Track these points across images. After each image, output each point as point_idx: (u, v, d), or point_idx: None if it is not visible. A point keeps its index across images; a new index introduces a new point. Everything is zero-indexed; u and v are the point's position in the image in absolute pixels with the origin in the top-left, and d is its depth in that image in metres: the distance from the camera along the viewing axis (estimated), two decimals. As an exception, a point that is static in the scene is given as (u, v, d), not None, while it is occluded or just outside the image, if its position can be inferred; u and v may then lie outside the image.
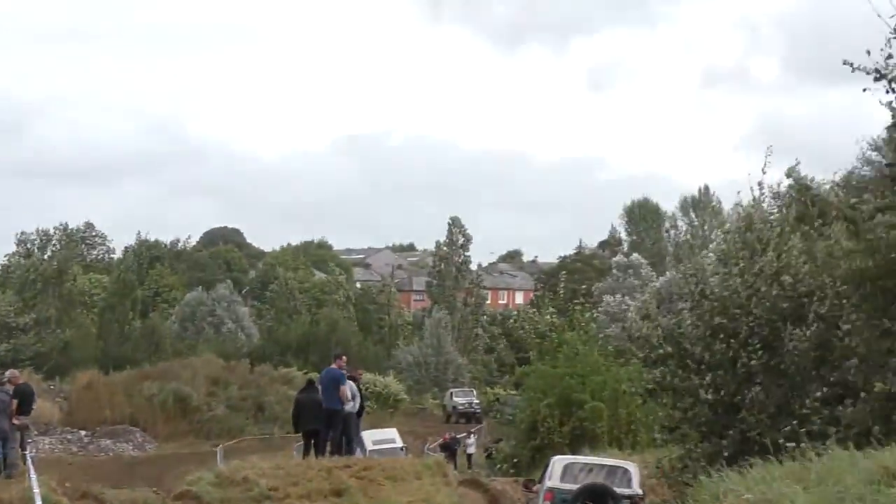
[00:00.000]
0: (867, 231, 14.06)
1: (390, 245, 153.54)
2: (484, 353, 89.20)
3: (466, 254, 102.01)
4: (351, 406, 23.90)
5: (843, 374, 16.00)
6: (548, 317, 43.26)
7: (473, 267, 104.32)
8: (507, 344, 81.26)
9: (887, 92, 14.74)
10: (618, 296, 58.46)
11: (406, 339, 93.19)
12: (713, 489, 7.77)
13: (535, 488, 22.42)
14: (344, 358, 24.90)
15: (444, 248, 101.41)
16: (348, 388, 23.69)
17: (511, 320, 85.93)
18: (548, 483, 20.18)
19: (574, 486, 19.70)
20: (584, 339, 37.15)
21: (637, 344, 21.05)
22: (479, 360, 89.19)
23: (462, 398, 69.74)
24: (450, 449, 47.87)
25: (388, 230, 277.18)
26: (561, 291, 56.53)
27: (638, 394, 28.60)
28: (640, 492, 19.92)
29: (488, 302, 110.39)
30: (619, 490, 19.49)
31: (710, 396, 18.08)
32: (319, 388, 24.19)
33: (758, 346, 17.72)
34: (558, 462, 20.64)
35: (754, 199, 20.34)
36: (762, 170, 19.97)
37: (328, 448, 23.85)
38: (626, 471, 20.40)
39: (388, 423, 54.93)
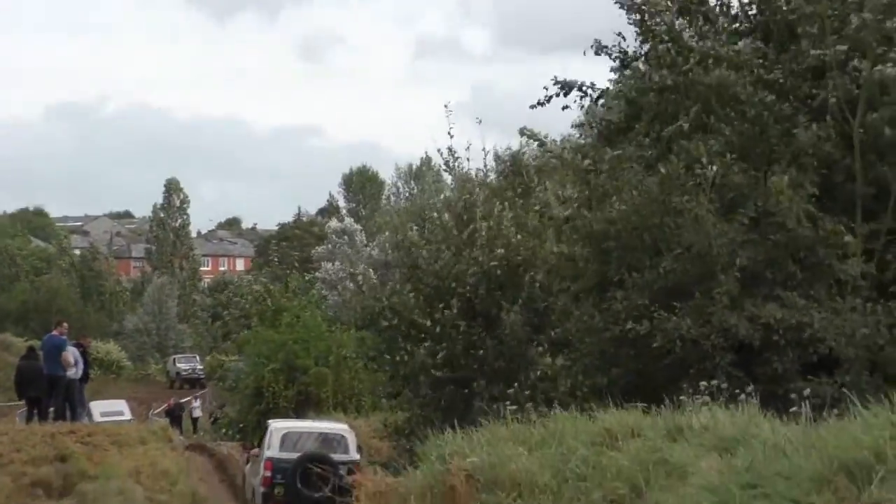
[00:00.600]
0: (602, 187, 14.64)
1: (108, 213, 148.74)
2: (209, 321, 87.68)
3: (184, 216, 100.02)
4: (73, 372, 23.24)
5: (560, 336, 16.60)
6: (258, 287, 42.86)
7: (193, 233, 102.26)
8: (231, 312, 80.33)
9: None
10: (337, 263, 58.18)
11: (126, 305, 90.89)
12: (439, 451, 7.80)
13: (253, 451, 22.35)
14: (65, 325, 24.27)
15: (161, 213, 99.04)
16: (70, 354, 23.04)
17: (230, 287, 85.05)
18: (267, 452, 20.00)
19: (293, 455, 19.50)
20: (304, 304, 37.11)
21: (359, 316, 21.21)
22: (199, 326, 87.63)
23: (185, 364, 68.40)
24: (174, 415, 46.98)
25: (106, 198, 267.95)
26: (277, 259, 56.10)
27: (359, 359, 28.78)
28: (356, 457, 19.91)
29: (208, 268, 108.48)
30: (336, 457, 19.41)
31: (434, 366, 18.43)
32: (41, 354, 23.55)
33: (476, 315, 18.20)
34: (276, 431, 20.43)
35: (465, 169, 20.90)
36: (470, 140, 20.67)
37: (51, 414, 23.14)
38: (342, 437, 20.34)
39: (111, 389, 53.39)
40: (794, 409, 7.37)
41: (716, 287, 12.94)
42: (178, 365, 68.27)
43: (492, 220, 19.05)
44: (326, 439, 20.24)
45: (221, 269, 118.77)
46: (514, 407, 8.68)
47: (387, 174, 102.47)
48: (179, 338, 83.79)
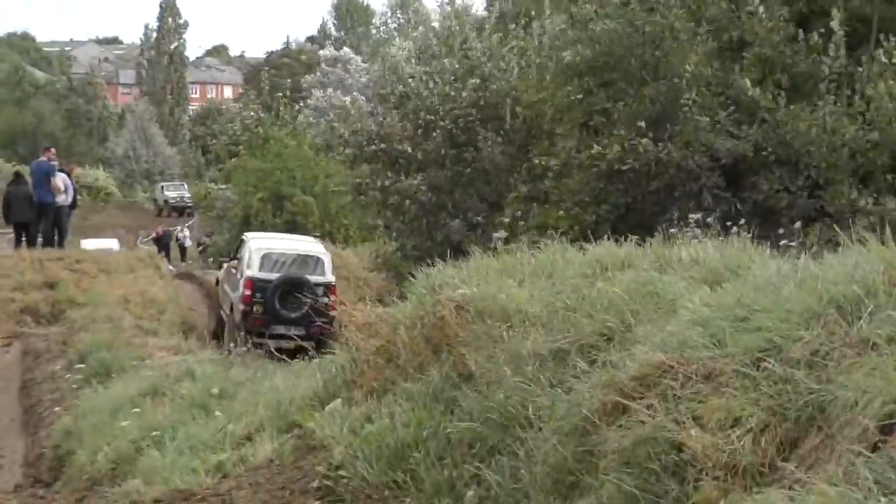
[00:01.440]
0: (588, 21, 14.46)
1: (94, 38, 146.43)
2: (197, 149, 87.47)
3: (180, 40, 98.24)
4: (63, 199, 23.20)
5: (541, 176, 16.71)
6: (250, 113, 42.32)
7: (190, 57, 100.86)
8: (219, 140, 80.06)
9: None
10: (328, 90, 57.54)
11: (114, 132, 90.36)
12: (429, 282, 7.83)
13: (230, 263, 23.11)
14: (53, 150, 24.15)
15: (155, 34, 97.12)
16: (60, 180, 22.93)
17: (221, 114, 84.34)
18: (247, 272, 20.88)
19: (272, 276, 20.62)
20: (291, 134, 36.93)
21: (348, 143, 21.18)
22: (187, 153, 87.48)
23: (173, 192, 68.26)
24: (163, 242, 47.21)
25: (92, 23, 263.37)
26: (266, 87, 55.44)
27: (346, 191, 28.80)
28: (332, 279, 21.12)
29: (196, 96, 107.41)
30: (313, 278, 20.64)
31: (421, 195, 18.54)
32: (30, 180, 23.42)
33: (462, 145, 18.22)
34: (256, 252, 21.30)
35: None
36: None
37: (39, 240, 23.20)
38: (319, 259, 21.40)
39: (99, 216, 53.73)
40: (784, 241, 7.41)
41: (684, 103, 12.88)
42: (166, 193, 68.15)
43: (479, 52, 18.88)
44: (304, 261, 21.33)
45: (210, 96, 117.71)
46: (503, 234, 8.63)
47: (377, 3, 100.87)
48: (167, 165, 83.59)
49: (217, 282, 24.58)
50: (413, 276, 8.06)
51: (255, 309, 20.78)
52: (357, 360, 7.75)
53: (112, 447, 9.86)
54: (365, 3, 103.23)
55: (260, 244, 22.02)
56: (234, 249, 24.35)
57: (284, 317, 20.52)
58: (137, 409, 10.79)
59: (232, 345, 21.12)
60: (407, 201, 19.02)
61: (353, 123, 21.07)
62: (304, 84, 67.79)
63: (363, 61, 63.69)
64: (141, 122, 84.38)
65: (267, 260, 21.20)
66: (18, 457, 12.18)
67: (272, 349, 19.04)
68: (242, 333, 20.55)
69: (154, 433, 9.58)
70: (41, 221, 23.03)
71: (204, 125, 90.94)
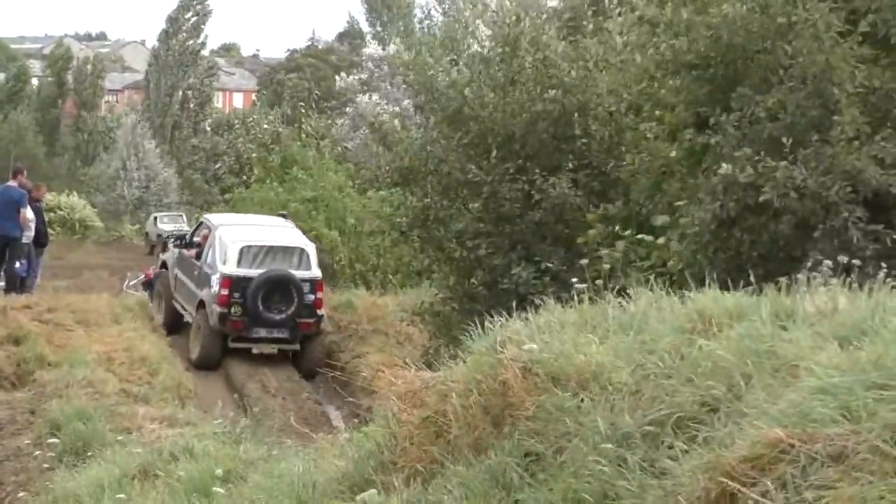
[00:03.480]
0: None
1: (73, 34, 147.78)
2: (206, 170, 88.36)
3: (199, 40, 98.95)
4: (30, 234, 23.51)
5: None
6: (267, 125, 42.62)
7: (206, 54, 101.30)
8: (227, 159, 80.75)
9: None
10: (374, 96, 57.32)
11: (108, 149, 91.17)
12: (489, 338, 7.80)
13: (179, 249, 25.10)
14: (24, 174, 24.40)
15: (169, 29, 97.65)
16: (31, 211, 23.24)
17: (236, 124, 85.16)
18: (223, 268, 22.44)
19: (252, 272, 22.38)
20: (318, 156, 37.19)
21: (392, 168, 21.15)
22: (195, 177, 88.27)
23: (169, 224, 68.34)
24: (155, 288, 47.46)
25: (73, 16, 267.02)
26: (287, 94, 55.90)
27: (383, 226, 28.97)
28: (318, 274, 23.08)
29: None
30: (298, 274, 22.58)
31: (481, 232, 18.58)
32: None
33: (524, 172, 18.24)
34: (232, 245, 22.73)
35: None
36: None
37: (1, 284, 23.47)
38: (303, 251, 23.19)
39: (75, 252, 54.23)
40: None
41: (837, 123, 12.70)
42: (161, 225, 68.17)
43: (541, 53, 18.93)
44: (287, 254, 23.10)
45: (216, 104, 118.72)
46: (578, 282, 8.59)
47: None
48: (164, 191, 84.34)
49: (163, 267, 26.39)
50: (468, 331, 8.08)
51: (233, 311, 22.43)
52: (397, 435, 7.76)
53: (91, 542, 9.94)
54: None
55: (234, 234, 23.39)
56: (187, 234, 26.30)
57: (268, 319, 22.40)
58: (123, 496, 10.83)
59: (196, 353, 22.38)
60: (462, 240, 19.04)
61: (395, 141, 21.14)
62: (339, 87, 68.04)
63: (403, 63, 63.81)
64: (132, 137, 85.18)
65: (246, 254, 22.73)
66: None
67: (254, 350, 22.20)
68: (215, 337, 22.48)
69: (143, 525, 9.65)
70: (5, 261, 23.27)
71: (220, 135, 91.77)
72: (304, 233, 30.85)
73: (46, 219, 26.46)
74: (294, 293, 22.51)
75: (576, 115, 18.30)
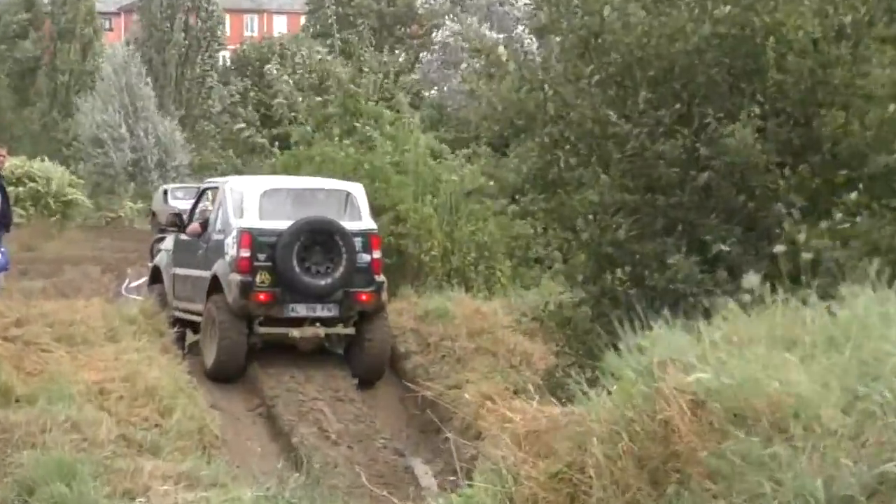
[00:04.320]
0: None
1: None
2: (224, 124, 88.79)
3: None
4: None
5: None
6: (319, 56, 42.48)
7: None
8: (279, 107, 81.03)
9: None
10: (471, 19, 56.65)
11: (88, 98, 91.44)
12: (642, 358, 7.80)
13: (174, 237, 25.48)
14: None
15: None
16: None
17: (268, 56, 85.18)
18: (238, 221, 22.76)
19: (282, 224, 22.50)
20: (392, 102, 37.06)
21: (498, 116, 21.09)
22: (210, 133, 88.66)
23: (186, 200, 67.93)
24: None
25: None
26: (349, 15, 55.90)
27: (487, 195, 28.60)
28: (373, 225, 23.48)
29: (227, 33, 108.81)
30: (347, 224, 22.75)
31: (625, 209, 18.45)
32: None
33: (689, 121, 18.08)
34: (250, 191, 23.08)
35: None
36: None
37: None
38: (348, 194, 23.55)
39: (52, 240, 54.62)
40: None
41: None
42: (173, 202, 67.94)
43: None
44: (327, 198, 23.62)
45: (248, 33, 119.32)
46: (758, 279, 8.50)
47: None
48: (169, 154, 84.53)
49: (154, 274, 26.67)
50: (612, 346, 8.06)
51: (259, 279, 22.57)
52: (514, 498, 7.79)
53: None
54: None
55: (251, 181, 23.95)
56: (177, 217, 26.35)
57: (308, 286, 22.51)
58: None
59: (212, 356, 22.56)
60: (597, 216, 18.89)
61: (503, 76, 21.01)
62: (423, 5, 67.80)
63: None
64: (125, 77, 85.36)
65: (270, 200, 23.04)
66: None
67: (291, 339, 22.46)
68: (237, 325, 22.67)
69: None
70: None
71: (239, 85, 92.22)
72: (381, 210, 31.05)
73: (10, 194, 26.57)
74: (343, 249, 22.57)
75: (762, 40, 18.11)
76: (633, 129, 18.14)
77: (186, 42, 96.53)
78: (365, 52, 41.63)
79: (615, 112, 18.46)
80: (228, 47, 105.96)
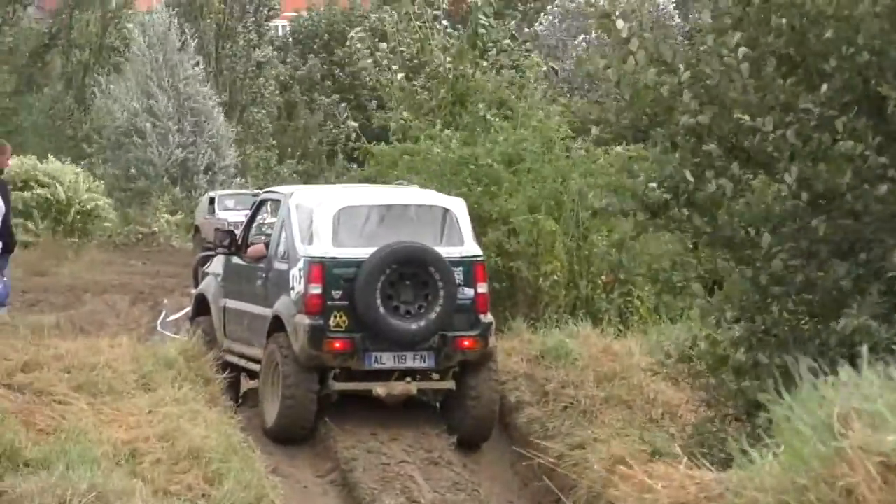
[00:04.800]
0: None
1: None
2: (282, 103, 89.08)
3: None
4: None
5: None
6: (418, 24, 42.34)
7: None
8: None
9: None
10: None
11: (113, 77, 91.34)
12: (819, 410, 7.85)
13: (254, 248, 24.73)
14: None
15: None
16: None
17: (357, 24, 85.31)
18: (307, 249, 22.51)
19: (363, 252, 22.26)
20: (513, 78, 36.96)
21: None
22: (267, 118, 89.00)
23: (238, 210, 67.66)
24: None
25: None
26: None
27: (625, 212, 28.31)
28: (478, 251, 23.11)
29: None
30: (445, 250, 22.41)
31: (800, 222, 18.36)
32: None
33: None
34: (323, 206, 22.78)
35: None
36: None
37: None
38: (447, 212, 23.17)
39: (69, 262, 54.88)
40: None
41: None
42: (222, 213, 67.82)
43: None
44: (419, 217, 23.21)
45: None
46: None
47: None
48: (218, 152, 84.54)
49: (199, 304, 26.53)
50: (779, 394, 8.09)
51: (333, 322, 22.37)
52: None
53: None
54: None
55: (321, 196, 23.65)
56: (228, 234, 26.00)
57: (395, 331, 22.19)
58: None
59: (274, 412, 22.39)
60: (758, 235, 18.85)
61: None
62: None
63: None
64: (164, 53, 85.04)
65: (347, 220, 22.74)
66: None
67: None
68: (305, 377, 22.41)
69: None
70: None
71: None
72: (488, 221, 30.88)
73: (13, 205, 26.65)
74: (439, 283, 22.25)
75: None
76: (821, 113, 18.00)
77: (224, 7, 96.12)
78: (483, 18, 41.29)
79: (776, 95, 18.35)
80: (285, 14, 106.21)
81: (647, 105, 19.29)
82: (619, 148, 30.57)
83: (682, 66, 18.79)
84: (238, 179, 78.72)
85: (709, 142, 18.96)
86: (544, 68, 41.87)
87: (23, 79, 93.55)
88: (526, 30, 57.53)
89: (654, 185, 20.13)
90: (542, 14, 62.97)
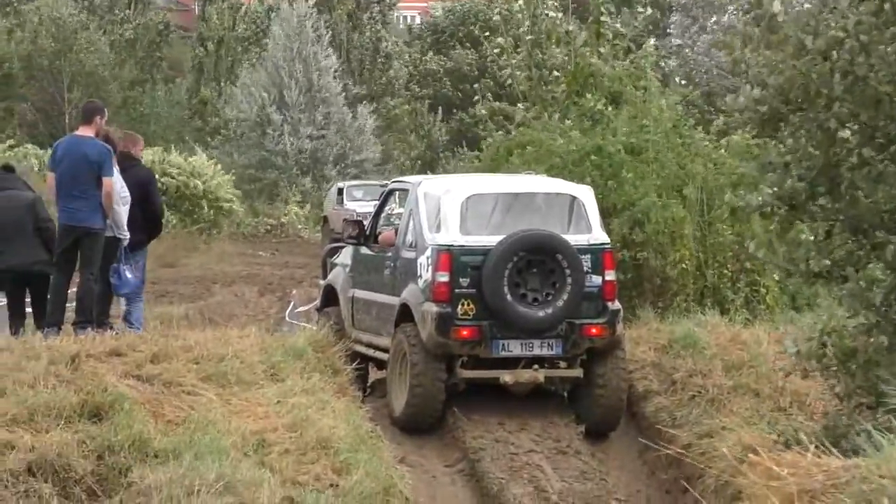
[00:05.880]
0: None
1: None
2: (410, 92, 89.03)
3: None
4: (121, 223, 23.67)
5: None
6: (547, 11, 42.07)
7: None
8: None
9: None
10: None
11: (247, 68, 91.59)
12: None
13: (384, 236, 25.16)
14: (104, 115, 24.31)
15: None
16: (118, 182, 23.43)
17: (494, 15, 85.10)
18: (435, 237, 22.64)
19: (490, 240, 22.35)
20: (634, 70, 36.71)
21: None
22: (398, 106, 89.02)
23: (367, 201, 67.65)
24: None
25: None
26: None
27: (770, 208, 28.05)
28: (605, 238, 23.14)
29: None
30: (572, 238, 22.49)
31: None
32: (55, 180, 23.87)
33: None
34: (451, 195, 22.92)
35: None
36: None
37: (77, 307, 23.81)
38: (574, 200, 23.28)
39: (197, 254, 54.91)
40: None
41: None
42: (350, 204, 67.70)
43: None
44: (546, 205, 23.26)
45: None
46: None
47: None
48: (354, 145, 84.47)
49: (328, 295, 26.70)
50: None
51: (461, 310, 22.45)
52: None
53: None
54: None
55: (449, 184, 23.67)
56: (357, 224, 26.07)
57: (523, 318, 22.26)
58: None
59: (402, 401, 22.37)
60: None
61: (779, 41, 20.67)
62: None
63: None
64: (298, 43, 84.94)
65: (475, 208, 22.82)
66: None
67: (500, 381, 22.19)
68: (433, 365, 22.52)
69: None
70: (80, 269, 23.40)
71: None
72: (612, 211, 30.72)
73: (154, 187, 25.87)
74: (567, 270, 22.27)
75: None
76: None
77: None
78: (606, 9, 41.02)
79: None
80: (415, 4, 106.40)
81: (793, 92, 19.06)
82: (736, 137, 30.44)
83: (835, 53, 18.54)
84: (386, 167, 78.36)
85: (850, 128, 18.80)
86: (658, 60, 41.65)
87: (145, 69, 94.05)
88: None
89: (792, 176, 19.87)
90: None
